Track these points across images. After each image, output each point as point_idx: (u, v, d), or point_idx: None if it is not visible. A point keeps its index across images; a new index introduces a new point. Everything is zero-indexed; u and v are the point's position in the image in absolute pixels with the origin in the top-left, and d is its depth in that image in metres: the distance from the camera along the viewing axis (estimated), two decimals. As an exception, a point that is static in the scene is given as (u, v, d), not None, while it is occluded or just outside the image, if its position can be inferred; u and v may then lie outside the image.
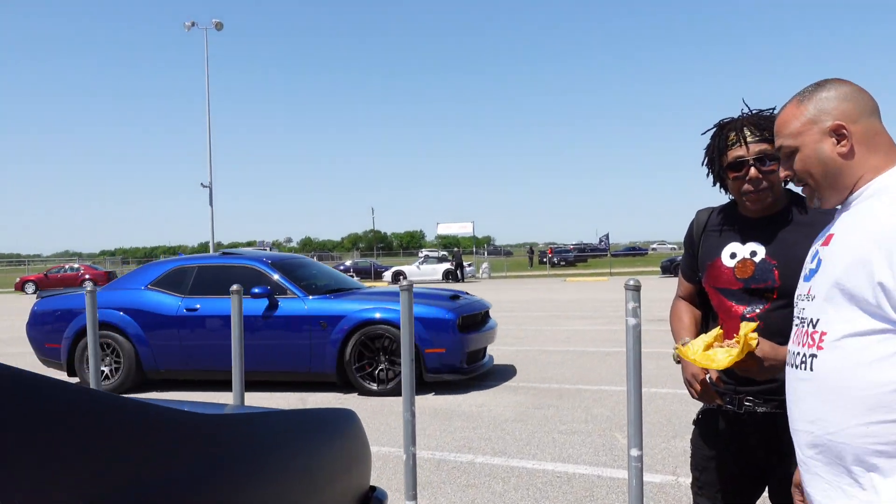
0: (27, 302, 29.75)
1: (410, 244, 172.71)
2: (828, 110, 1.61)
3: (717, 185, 2.41)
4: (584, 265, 55.74)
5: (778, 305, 2.24)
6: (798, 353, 1.61)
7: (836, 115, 1.60)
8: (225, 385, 8.38)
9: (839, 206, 1.67)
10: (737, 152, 2.26)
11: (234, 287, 4.69)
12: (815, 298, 1.57)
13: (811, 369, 1.55)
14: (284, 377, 8.32)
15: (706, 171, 2.41)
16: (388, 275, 37.34)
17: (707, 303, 2.48)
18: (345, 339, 7.98)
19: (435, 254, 42.45)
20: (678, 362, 2.40)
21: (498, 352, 10.75)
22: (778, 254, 2.26)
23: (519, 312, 17.67)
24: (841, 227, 1.58)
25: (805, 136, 1.63)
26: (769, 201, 2.28)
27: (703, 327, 2.51)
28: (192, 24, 43.63)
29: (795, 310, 1.68)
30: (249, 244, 54.94)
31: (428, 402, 7.46)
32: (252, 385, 8.35)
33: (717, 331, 2.14)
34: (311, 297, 8.36)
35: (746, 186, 2.26)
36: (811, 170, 1.63)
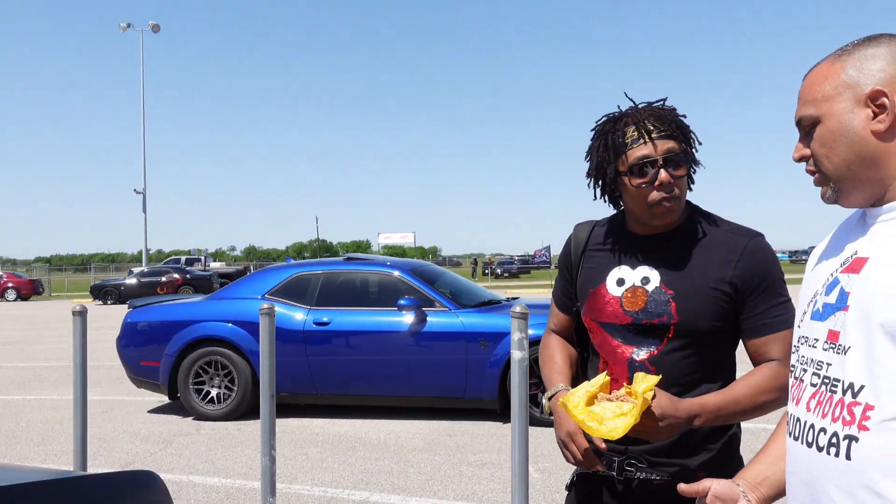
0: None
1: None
2: (870, 71, 1.16)
3: (604, 197, 1.91)
4: (527, 276, 55.75)
5: (673, 347, 1.78)
6: (822, 430, 1.13)
7: (880, 80, 1.15)
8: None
9: (863, 215, 1.21)
10: (641, 151, 1.76)
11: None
12: (848, 350, 1.10)
13: (847, 457, 1.08)
14: (431, 403, 7.27)
15: (590, 180, 1.91)
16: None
17: (586, 338, 1.99)
18: (510, 360, 6.97)
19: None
20: (549, 415, 1.90)
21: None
22: (675, 282, 1.79)
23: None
24: (880, 246, 1.13)
25: (833, 102, 1.18)
26: (677, 216, 1.82)
27: (580, 370, 2.03)
28: (128, 26, 42.60)
29: (799, 359, 1.24)
30: (185, 253, 53.47)
31: (331, 429, 6.89)
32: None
33: (602, 378, 1.66)
34: (461, 310, 7.31)
35: (655, 195, 1.76)
36: (833, 150, 1.18)
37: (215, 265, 46.22)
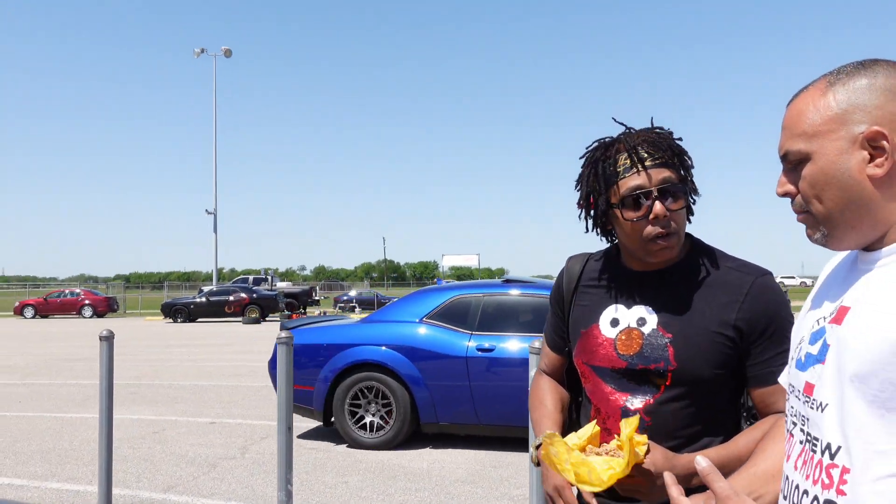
0: (23, 326, 29.33)
1: (424, 274, 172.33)
2: (866, 107, 1.03)
3: (596, 229, 1.75)
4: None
5: (671, 396, 1.61)
6: (805, 492, 1.05)
7: (878, 118, 1.02)
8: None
9: (855, 258, 1.10)
10: (633, 181, 1.59)
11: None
12: (825, 408, 1.03)
13: None
14: None
15: (580, 211, 1.75)
16: (390, 306, 36.76)
17: (579, 381, 1.82)
18: None
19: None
20: (537, 465, 1.74)
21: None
22: (674, 324, 1.62)
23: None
24: (864, 296, 1.02)
25: (825, 139, 1.05)
26: (675, 252, 1.64)
27: (572, 416, 1.87)
28: (202, 51, 43.94)
29: (790, 410, 1.14)
30: (256, 272, 54.58)
31: (374, 456, 6.76)
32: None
33: (592, 428, 1.52)
34: None
35: (650, 229, 1.59)
36: (824, 192, 1.06)
37: (281, 285, 46.96)
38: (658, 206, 1.56)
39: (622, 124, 1.70)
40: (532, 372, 2.39)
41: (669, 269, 1.67)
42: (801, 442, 1.09)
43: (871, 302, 0.99)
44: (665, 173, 1.58)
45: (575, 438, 1.50)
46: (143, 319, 34.29)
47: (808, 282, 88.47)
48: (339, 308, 40.66)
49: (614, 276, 1.74)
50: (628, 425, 1.43)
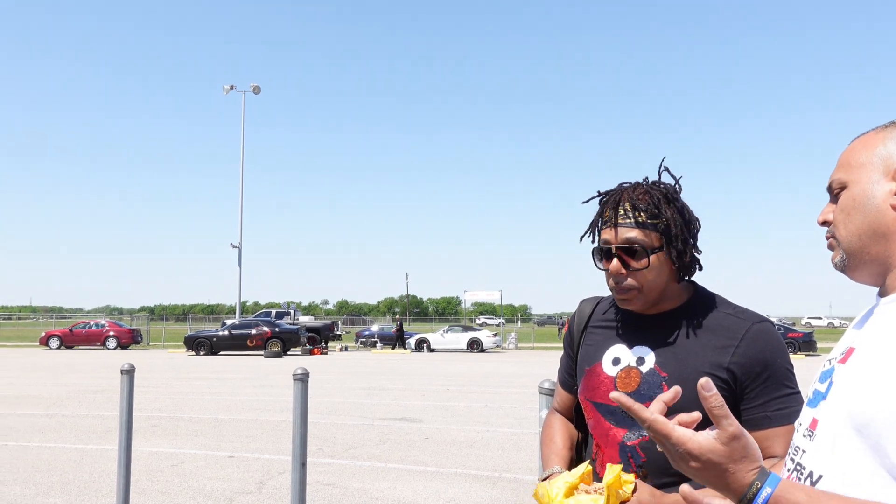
0: (49, 357, 29.63)
1: (446, 310, 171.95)
2: None
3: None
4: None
5: None
6: None
7: None
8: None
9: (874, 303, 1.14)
10: (605, 235, 1.76)
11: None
12: (817, 438, 1.07)
13: None
14: None
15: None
16: (412, 342, 36.71)
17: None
18: None
19: (459, 324, 42.16)
20: None
21: (490, 434, 9.99)
22: (669, 364, 1.70)
23: (528, 389, 16.81)
24: (868, 337, 1.07)
25: (863, 170, 1.14)
26: (638, 304, 1.74)
27: (582, 453, 1.94)
28: (231, 88, 44.72)
29: (790, 446, 1.19)
30: (276, 306, 54.83)
31: (392, 493, 6.73)
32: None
33: (584, 468, 1.58)
34: None
35: (611, 282, 1.75)
36: (849, 217, 1.13)
37: (304, 319, 47.13)
38: (614, 263, 1.70)
39: (628, 183, 1.80)
40: (544, 413, 2.44)
41: (670, 313, 1.75)
42: (788, 470, 1.13)
43: (876, 341, 1.03)
44: (632, 233, 1.69)
45: (568, 477, 1.55)
46: (167, 351, 34.49)
47: (836, 322, 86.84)
48: (361, 343, 40.66)
49: (619, 318, 1.83)
50: (611, 471, 1.49)
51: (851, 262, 1.13)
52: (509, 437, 9.76)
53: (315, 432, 9.87)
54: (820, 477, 1.04)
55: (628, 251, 1.69)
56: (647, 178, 1.78)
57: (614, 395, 1.15)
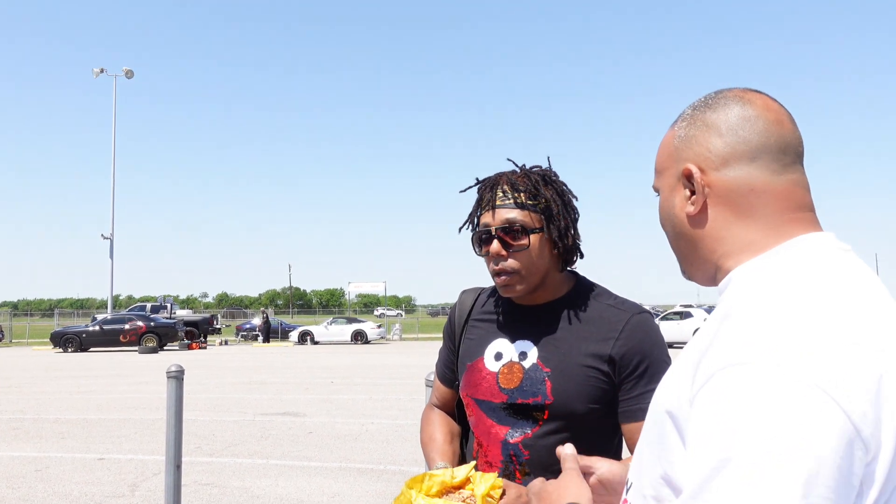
0: None
1: (330, 302, 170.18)
2: (689, 142, 1.01)
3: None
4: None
5: (548, 430, 1.65)
6: None
7: (694, 154, 1.00)
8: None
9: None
10: (483, 219, 1.71)
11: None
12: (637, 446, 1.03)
13: None
14: None
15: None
16: (294, 335, 36.10)
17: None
18: None
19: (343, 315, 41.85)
20: None
21: (374, 426, 9.93)
22: (552, 358, 1.67)
23: (412, 380, 16.85)
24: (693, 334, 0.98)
25: (665, 175, 1.06)
26: (520, 289, 1.69)
27: (463, 450, 1.89)
28: (102, 71, 42.63)
29: None
30: (151, 300, 52.72)
31: (274, 490, 6.57)
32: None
33: (467, 469, 1.52)
34: None
35: (491, 266, 1.70)
36: (664, 227, 1.08)
37: (181, 312, 45.49)
38: (494, 245, 1.65)
39: (512, 161, 1.76)
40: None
41: (551, 304, 1.73)
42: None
43: (694, 338, 0.96)
44: (511, 213, 1.65)
45: (445, 476, 1.50)
46: (31, 349, 32.51)
47: (708, 310, 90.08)
48: (242, 337, 39.66)
49: (501, 310, 1.79)
50: (485, 481, 1.47)
51: (682, 268, 1.08)
52: (394, 429, 9.72)
53: (193, 430, 9.51)
54: (631, 485, 0.98)
55: (508, 231, 1.65)
56: (524, 164, 1.76)
57: (561, 450, 1.15)
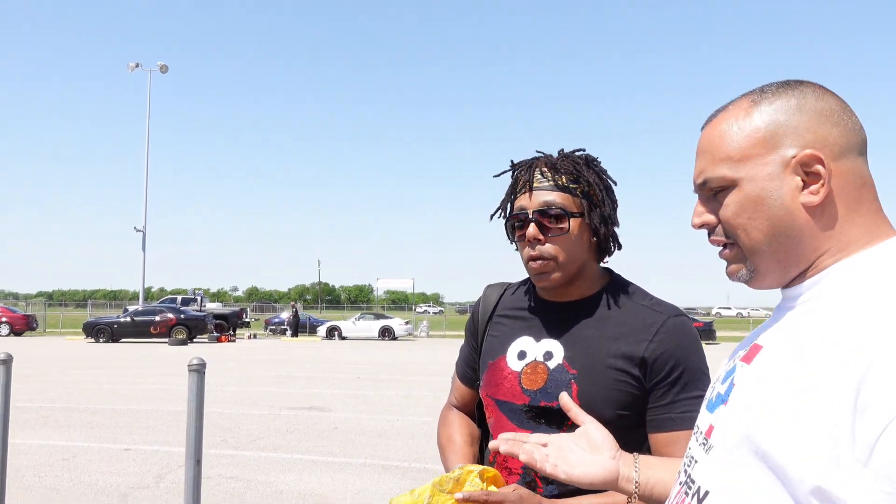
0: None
1: (359, 298, 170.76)
2: (797, 129, 0.94)
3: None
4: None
5: None
6: None
7: (810, 141, 0.93)
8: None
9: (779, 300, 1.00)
10: (519, 202, 1.59)
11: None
12: (712, 449, 0.92)
13: None
14: None
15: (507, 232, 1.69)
16: (322, 330, 36.20)
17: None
18: None
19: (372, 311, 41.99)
20: None
21: (400, 423, 9.87)
22: (578, 359, 1.55)
23: (440, 377, 16.76)
24: (776, 336, 0.92)
25: (754, 163, 0.94)
26: (556, 278, 1.57)
27: (484, 451, 1.77)
28: (137, 66, 43.09)
29: (687, 451, 1.03)
30: (182, 292, 53.28)
31: (297, 486, 6.52)
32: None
33: (466, 472, 1.44)
34: None
35: (527, 251, 1.57)
36: (751, 222, 0.95)
37: (211, 305, 45.93)
38: (531, 227, 1.53)
39: (541, 153, 1.66)
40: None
41: (582, 301, 1.61)
42: (679, 483, 1.00)
43: (783, 341, 0.90)
44: (550, 196, 1.54)
45: (475, 485, 1.42)
46: (64, 339, 32.98)
47: (745, 313, 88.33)
48: (270, 331, 39.88)
49: (528, 307, 1.68)
50: (468, 476, 1.41)
51: (761, 270, 0.97)
52: (420, 426, 9.66)
53: (219, 423, 9.53)
54: (707, 493, 0.91)
55: (545, 214, 1.53)
56: (562, 149, 1.65)
57: (564, 397, 1.02)
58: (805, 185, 0.92)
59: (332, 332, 35.61)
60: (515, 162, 1.66)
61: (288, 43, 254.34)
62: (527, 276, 1.70)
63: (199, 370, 2.98)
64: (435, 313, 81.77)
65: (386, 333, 35.29)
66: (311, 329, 38.31)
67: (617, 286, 1.63)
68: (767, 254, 0.95)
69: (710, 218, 1.00)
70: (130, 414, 10.60)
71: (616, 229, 1.63)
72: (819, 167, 0.91)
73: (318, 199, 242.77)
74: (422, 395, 13.04)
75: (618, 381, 1.50)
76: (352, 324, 36.31)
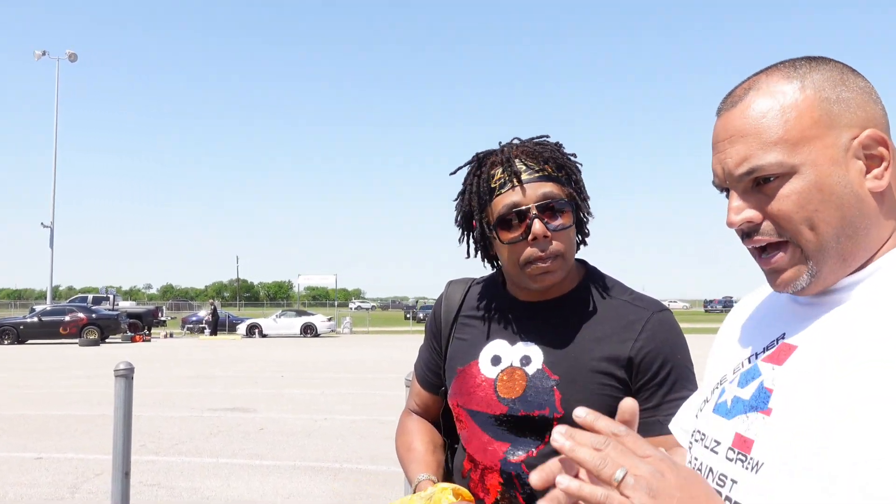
0: None
1: (278, 295, 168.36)
2: (849, 106, 0.83)
3: (478, 254, 1.56)
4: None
5: (555, 449, 1.40)
6: None
7: (863, 119, 0.83)
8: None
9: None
10: (509, 198, 1.42)
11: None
12: (761, 468, 0.78)
13: None
14: None
15: (461, 234, 1.56)
16: (242, 328, 35.40)
17: (454, 426, 1.60)
18: None
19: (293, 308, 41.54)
20: None
21: (328, 422, 9.65)
22: (559, 364, 1.43)
23: (371, 374, 16.55)
24: (816, 334, 0.82)
25: (814, 145, 0.82)
26: (559, 276, 1.44)
27: (448, 464, 1.63)
28: (44, 54, 41.18)
29: (692, 462, 0.93)
30: (93, 291, 51.33)
31: (224, 493, 6.25)
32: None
33: (440, 490, 1.36)
34: None
35: (529, 251, 1.41)
36: (818, 214, 0.82)
37: (125, 304, 44.41)
38: (537, 224, 1.39)
39: (504, 143, 1.53)
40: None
41: (559, 300, 1.49)
42: None
43: (835, 342, 0.79)
44: (546, 187, 1.41)
45: (425, 498, 1.34)
46: (-35, 341, 31.26)
47: (689, 305, 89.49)
48: (188, 329, 38.75)
49: (498, 306, 1.54)
50: (441, 495, 1.34)
51: (823, 272, 0.84)
52: (349, 425, 9.45)
53: (137, 427, 9.06)
54: None
55: (547, 208, 1.40)
56: (517, 138, 1.52)
57: (582, 411, 0.85)
58: (868, 169, 0.83)
59: (252, 330, 34.91)
60: (481, 153, 1.51)
61: (201, 25, 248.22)
62: (487, 272, 1.60)
63: (126, 375, 2.74)
64: (367, 308, 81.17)
65: (308, 330, 34.78)
66: (231, 327, 37.42)
67: (594, 280, 1.52)
68: (835, 251, 0.83)
69: (755, 213, 0.86)
70: (40, 419, 10.03)
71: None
72: (882, 149, 0.82)
73: (235, 194, 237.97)
74: (348, 393, 12.82)
75: (603, 386, 1.40)
76: (273, 321, 35.66)
